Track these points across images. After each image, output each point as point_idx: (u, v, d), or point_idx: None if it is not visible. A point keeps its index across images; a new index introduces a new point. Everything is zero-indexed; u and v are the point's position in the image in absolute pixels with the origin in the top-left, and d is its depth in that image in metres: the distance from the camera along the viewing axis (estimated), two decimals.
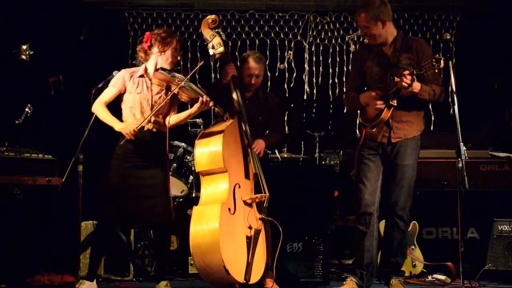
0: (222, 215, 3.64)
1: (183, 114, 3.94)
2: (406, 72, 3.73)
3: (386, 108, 3.87)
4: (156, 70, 3.85)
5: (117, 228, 4.46)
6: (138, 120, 3.87)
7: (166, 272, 4.10)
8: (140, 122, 3.83)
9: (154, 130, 3.89)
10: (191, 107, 3.94)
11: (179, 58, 3.97)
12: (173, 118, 3.95)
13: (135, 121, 3.88)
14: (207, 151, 3.82)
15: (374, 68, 4.03)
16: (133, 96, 3.90)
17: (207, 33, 4.09)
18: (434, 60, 3.66)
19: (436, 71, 3.76)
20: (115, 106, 4.00)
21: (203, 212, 3.71)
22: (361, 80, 4.10)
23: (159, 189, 3.89)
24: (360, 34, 4.09)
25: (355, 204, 4.03)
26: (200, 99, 3.81)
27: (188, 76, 3.81)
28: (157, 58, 3.90)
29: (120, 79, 3.95)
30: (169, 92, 3.84)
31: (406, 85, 3.72)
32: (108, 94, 3.95)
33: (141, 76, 3.94)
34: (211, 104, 3.83)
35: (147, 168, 3.88)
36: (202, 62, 4.06)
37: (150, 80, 3.91)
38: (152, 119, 3.86)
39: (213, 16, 4.09)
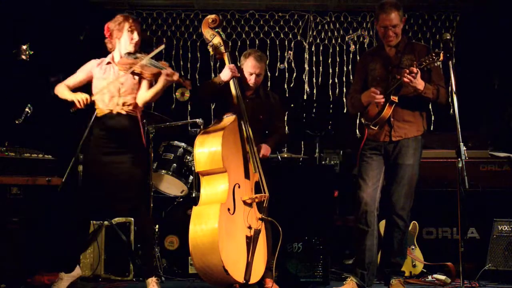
0: (222, 215, 3.64)
1: (150, 92, 3.94)
2: (412, 68, 3.75)
3: (387, 105, 3.88)
4: (122, 56, 3.94)
5: (94, 218, 4.52)
6: (107, 105, 3.93)
7: (153, 268, 4.07)
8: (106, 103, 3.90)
9: (124, 112, 3.93)
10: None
11: (137, 36, 3.96)
12: (141, 97, 3.96)
13: (105, 106, 3.93)
14: (206, 151, 3.82)
15: (376, 70, 4.05)
16: (100, 82, 3.97)
17: (207, 32, 4.08)
18: (433, 54, 3.68)
19: (436, 64, 3.76)
20: None
21: (202, 212, 3.71)
22: (363, 83, 4.13)
23: (133, 175, 3.89)
24: (383, 34, 3.98)
25: (356, 203, 4.04)
26: (163, 72, 3.82)
27: (150, 55, 3.86)
28: (119, 44, 3.98)
29: (88, 65, 4.05)
30: (131, 72, 3.87)
31: (411, 77, 3.72)
32: (73, 78, 4.04)
33: (109, 63, 4.02)
34: (175, 77, 3.82)
35: (120, 154, 3.90)
36: (162, 46, 4.02)
37: (117, 66, 3.97)
38: (121, 101, 3.92)
39: (213, 16, 4.09)
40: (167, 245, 4.88)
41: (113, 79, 3.93)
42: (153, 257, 4.18)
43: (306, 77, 6.28)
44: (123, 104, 3.93)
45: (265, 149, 4.17)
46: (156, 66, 3.85)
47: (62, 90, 3.97)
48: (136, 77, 3.94)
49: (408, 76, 3.74)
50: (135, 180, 3.90)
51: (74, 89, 3.99)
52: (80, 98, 3.81)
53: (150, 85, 3.95)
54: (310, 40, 6.30)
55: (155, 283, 3.92)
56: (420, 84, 3.81)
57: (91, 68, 4.02)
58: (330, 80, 6.28)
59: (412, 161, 3.98)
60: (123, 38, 3.95)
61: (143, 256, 4.13)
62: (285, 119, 5.95)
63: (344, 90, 6.20)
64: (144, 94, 3.95)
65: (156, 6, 6.23)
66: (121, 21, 3.96)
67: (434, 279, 4.51)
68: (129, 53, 3.92)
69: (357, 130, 6.07)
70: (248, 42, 6.20)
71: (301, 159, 5.41)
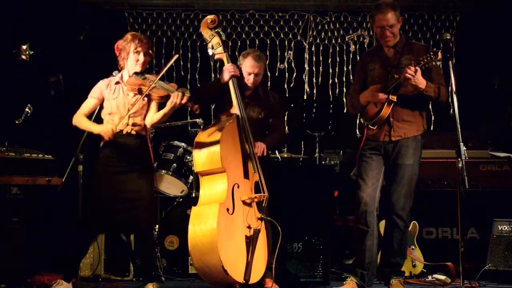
0: (220, 215, 3.63)
1: (159, 114, 3.95)
2: (410, 66, 3.75)
3: (386, 105, 3.89)
4: (130, 76, 3.92)
5: (98, 232, 4.52)
6: (117, 125, 3.90)
7: (153, 275, 4.06)
8: (117, 123, 3.88)
9: (134, 132, 3.93)
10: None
11: (143, 57, 3.93)
12: (149, 119, 3.97)
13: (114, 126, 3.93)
14: (205, 151, 3.82)
15: (375, 70, 4.05)
16: (110, 102, 3.96)
17: (206, 33, 4.08)
18: (431, 53, 3.68)
19: (434, 63, 3.77)
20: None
21: (201, 212, 3.71)
22: (363, 83, 4.13)
23: (142, 194, 3.89)
24: (380, 34, 3.98)
25: (355, 203, 4.04)
26: (172, 95, 3.80)
27: (159, 76, 3.85)
28: (127, 63, 3.97)
29: (97, 89, 4.02)
30: (141, 95, 3.85)
31: (410, 76, 3.72)
32: (87, 105, 4.02)
33: (117, 83, 4.00)
34: (183, 100, 3.78)
35: (128, 172, 3.89)
36: (176, 56, 3.99)
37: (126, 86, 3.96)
38: (130, 121, 3.91)
39: (212, 16, 4.08)
40: (167, 245, 4.88)
41: (124, 101, 3.93)
42: (153, 265, 4.16)
43: (306, 77, 6.28)
44: (133, 125, 3.92)
45: (258, 147, 4.12)
46: (165, 88, 3.83)
47: (83, 122, 3.97)
48: (145, 98, 3.93)
49: (409, 71, 3.73)
50: (145, 199, 3.89)
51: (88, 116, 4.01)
52: (107, 130, 3.81)
53: (159, 105, 3.96)
54: (310, 40, 6.30)
55: None
56: (421, 83, 3.81)
57: (101, 92, 4.00)
58: (330, 80, 6.28)
59: (412, 161, 3.97)
60: (129, 59, 3.94)
61: (143, 263, 4.10)
62: (285, 119, 5.96)
63: (344, 90, 6.20)
64: (152, 117, 3.96)
65: (156, 6, 6.23)
66: (129, 41, 3.94)
67: (434, 279, 4.51)
68: (136, 73, 3.91)
69: (357, 130, 6.07)
70: (248, 42, 6.21)
71: (301, 159, 5.41)
